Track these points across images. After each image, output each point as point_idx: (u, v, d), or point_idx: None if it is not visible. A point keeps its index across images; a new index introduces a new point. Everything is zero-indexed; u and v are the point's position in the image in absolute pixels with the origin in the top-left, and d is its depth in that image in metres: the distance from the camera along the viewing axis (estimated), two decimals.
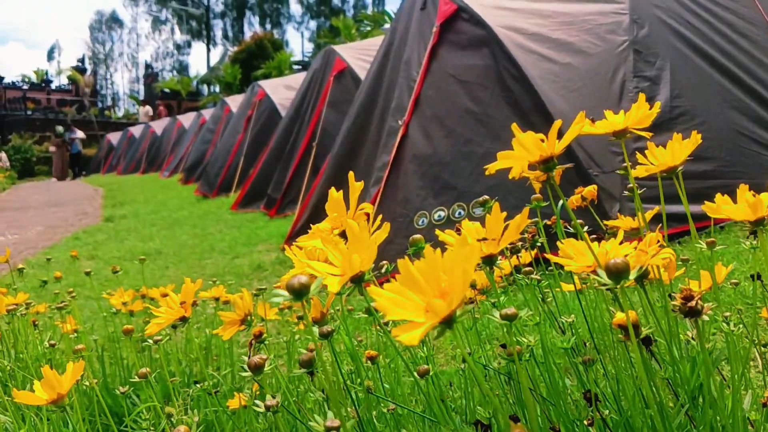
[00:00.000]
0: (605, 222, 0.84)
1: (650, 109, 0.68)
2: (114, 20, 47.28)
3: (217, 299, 1.41)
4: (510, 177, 0.50)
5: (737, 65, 3.07)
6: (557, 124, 0.47)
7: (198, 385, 0.80)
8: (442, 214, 2.73)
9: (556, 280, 0.82)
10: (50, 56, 45.59)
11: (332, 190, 0.57)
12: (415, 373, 0.59)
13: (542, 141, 0.46)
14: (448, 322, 0.34)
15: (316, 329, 0.58)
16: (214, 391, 0.93)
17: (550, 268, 0.97)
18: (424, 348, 0.71)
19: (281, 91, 7.46)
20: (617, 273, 0.38)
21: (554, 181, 0.48)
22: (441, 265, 0.35)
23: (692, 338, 0.72)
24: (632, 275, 0.38)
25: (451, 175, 2.86)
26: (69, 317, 1.57)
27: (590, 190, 0.85)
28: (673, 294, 0.74)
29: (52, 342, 1.12)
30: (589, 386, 0.62)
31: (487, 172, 0.50)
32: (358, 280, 0.44)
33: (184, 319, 0.73)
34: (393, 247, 2.55)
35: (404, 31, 3.61)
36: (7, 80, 29.85)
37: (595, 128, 0.67)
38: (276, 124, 6.68)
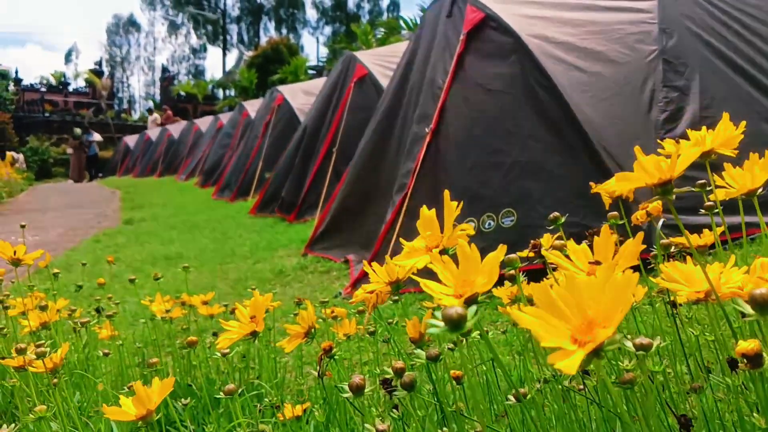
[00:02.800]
0: (671, 239, 0.83)
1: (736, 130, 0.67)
2: (131, 24, 47.77)
3: None
4: (616, 196, 0.50)
5: (767, 75, 3.04)
6: (685, 144, 0.46)
7: (267, 400, 0.80)
8: (473, 224, 2.71)
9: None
10: (68, 59, 46.12)
11: (424, 208, 0.56)
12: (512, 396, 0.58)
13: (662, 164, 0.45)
14: (597, 351, 0.33)
15: (422, 352, 0.57)
16: (264, 407, 0.93)
17: None
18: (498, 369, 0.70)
19: (300, 96, 7.49)
20: (763, 304, 0.37)
21: (671, 204, 0.47)
22: (586, 292, 0.34)
23: None
24: None
25: (479, 185, 2.84)
26: (106, 323, 1.58)
27: (656, 206, 0.84)
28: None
29: (106, 351, 1.12)
30: (683, 410, 0.61)
31: (594, 189, 0.49)
32: (473, 301, 0.44)
33: (254, 334, 0.72)
34: None
35: (429, 39, 3.61)
36: (25, 82, 30.26)
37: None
38: (295, 129, 6.70)
